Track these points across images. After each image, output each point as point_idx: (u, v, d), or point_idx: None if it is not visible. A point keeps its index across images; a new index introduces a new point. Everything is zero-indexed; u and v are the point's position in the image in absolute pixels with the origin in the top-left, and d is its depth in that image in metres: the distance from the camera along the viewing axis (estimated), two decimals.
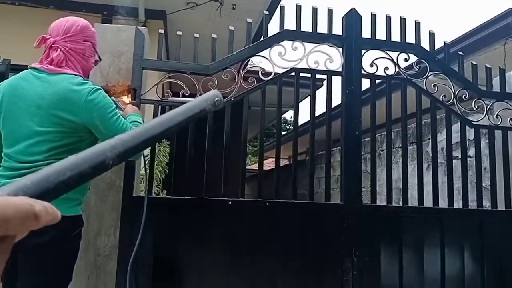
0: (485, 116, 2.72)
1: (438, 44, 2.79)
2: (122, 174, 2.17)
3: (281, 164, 2.69)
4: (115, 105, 1.75)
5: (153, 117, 2.38)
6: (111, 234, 2.11)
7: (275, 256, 2.37)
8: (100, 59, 1.94)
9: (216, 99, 0.58)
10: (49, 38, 1.73)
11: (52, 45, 1.71)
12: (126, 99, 2.19)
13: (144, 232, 2.04)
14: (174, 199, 2.34)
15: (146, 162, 2.49)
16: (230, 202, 2.32)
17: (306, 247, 2.40)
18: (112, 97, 2.08)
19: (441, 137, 3.32)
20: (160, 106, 2.43)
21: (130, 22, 4.84)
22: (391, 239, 2.51)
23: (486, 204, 2.79)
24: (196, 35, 2.48)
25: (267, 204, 2.37)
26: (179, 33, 2.52)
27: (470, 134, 2.99)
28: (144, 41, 2.43)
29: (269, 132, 15.74)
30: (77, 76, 1.69)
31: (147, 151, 2.34)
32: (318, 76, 2.66)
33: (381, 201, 2.80)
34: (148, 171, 2.21)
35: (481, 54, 4.67)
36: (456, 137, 3.03)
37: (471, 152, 3.15)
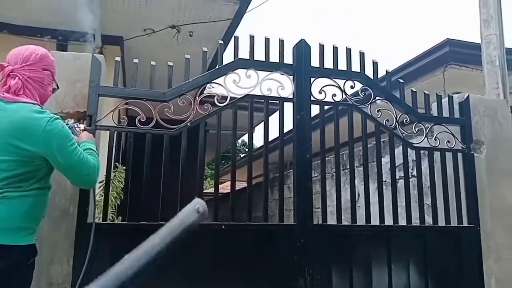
0: (424, 138, 2.95)
1: (382, 72, 3.02)
2: (76, 201, 2.17)
3: (238, 188, 2.78)
4: (72, 134, 1.77)
5: (109, 144, 2.41)
6: (64, 262, 2.09)
7: (233, 277, 2.42)
8: (58, 87, 1.96)
9: (197, 207, 0.57)
10: (7, 66, 1.74)
11: (10, 73, 1.72)
12: (81, 125, 2.22)
13: (97, 259, 2.04)
14: (128, 224, 2.35)
15: (99, 188, 2.50)
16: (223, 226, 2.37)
17: (262, 267, 2.47)
18: (69, 122, 2.10)
19: (387, 159, 3.54)
20: (116, 132, 2.46)
21: (86, 47, 4.84)
22: (341, 256, 2.64)
23: (429, 220, 2.99)
24: (153, 62, 2.55)
25: (223, 226, 2.43)
26: (135, 61, 2.57)
27: (413, 155, 3.22)
28: (100, 68, 2.47)
29: (227, 155, 15.78)
30: (34, 105, 1.71)
31: (101, 177, 2.35)
32: (271, 101, 2.79)
33: (335, 220, 2.93)
34: (95, 197, 2.21)
35: (424, 80, 5.04)
36: (400, 158, 3.25)
37: (415, 172, 3.38)
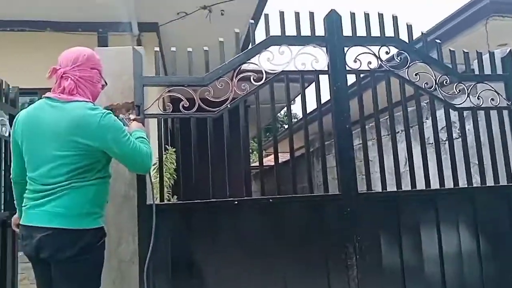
0: (467, 98, 2.89)
1: (417, 34, 2.96)
2: (135, 186, 2.36)
3: (281, 160, 2.88)
4: (123, 126, 1.93)
5: (158, 130, 2.58)
6: (130, 241, 2.31)
7: (283, 250, 2.54)
8: (106, 83, 2.12)
9: None
10: (59, 68, 1.91)
11: (63, 75, 1.89)
12: (131, 115, 2.38)
13: (158, 236, 2.25)
14: (183, 203, 2.54)
15: (153, 170, 2.68)
16: (236, 202, 2.51)
17: (310, 238, 2.59)
18: (120, 116, 2.27)
19: (429, 122, 3.50)
20: (163, 119, 2.61)
21: (125, 37, 5.03)
22: (389, 222, 2.69)
23: (478, 180, 2.94)
24: (189, 49, 2.66)
25: (271, 200, 2.56)
26: (173, 49, 2.70)
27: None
28: (142, 60, 2.61)
29: (269, 127, 15.87)
30: (87, 102, 1.87)
31: (154, 160, 2.54)
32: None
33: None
34: (152, 179, 2.39)
35: (465, 36, 4.83)
36: (443, 120, 3.21)
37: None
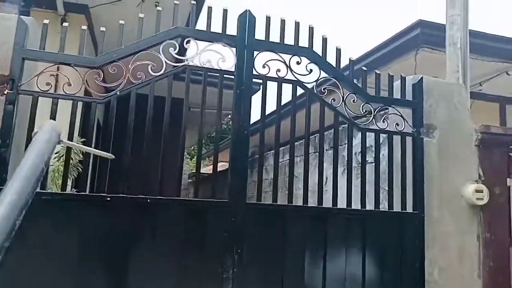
0: (372, 119, 2.86)
1: (334, 51, 2.90)
2: None
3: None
4: None
5: (31, 109, 2.31)
6: None
7: (156, 257, 2.33)
8: None
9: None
10: None
11: None
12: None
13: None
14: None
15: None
16: (108, 198, 2.29)
17: (189, 246, 2.40)
18: None
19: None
20: (38, 98, 2.35)
21: (49, 14, 4.69)
22: (275, 237, 2.57)
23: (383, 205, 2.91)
24: (102, 28, 2.46)
25: (148, 200, 2.35)
26: (102, 29, 2.48)
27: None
28: (27, 31, 2.35)
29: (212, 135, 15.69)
30: None
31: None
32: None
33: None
34: None
35: (395, 65, 4.91)
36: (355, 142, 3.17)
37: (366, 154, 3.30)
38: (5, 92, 2.23)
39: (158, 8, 2.60)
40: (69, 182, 3.80)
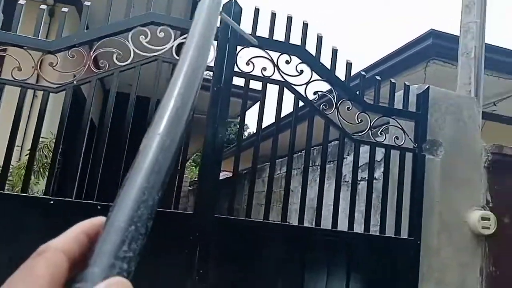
0: (368, 130, 2.52)
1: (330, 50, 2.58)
2: None
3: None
4: None
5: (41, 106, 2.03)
6: None
7: None
8: None
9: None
10: None
11: None
12: None
13: None
14: None
15: None
16: (52, 202, 1.98)
17: (148, 261, 2.08)
18: None
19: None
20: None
21: (37, 3, 4.45)
22: (246, 256, 2.24)
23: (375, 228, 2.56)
24: (87, 3, 2.18)
25: (99, 207, 2.04)
26: (87, 3, 2.21)
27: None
28: None
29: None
30: None
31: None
32: None
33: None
34: None
35: (404, 77, 4.56)
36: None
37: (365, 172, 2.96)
38: None
39: None
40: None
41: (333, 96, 2.47)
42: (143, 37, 2.23)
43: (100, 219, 0.32)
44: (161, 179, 0.32)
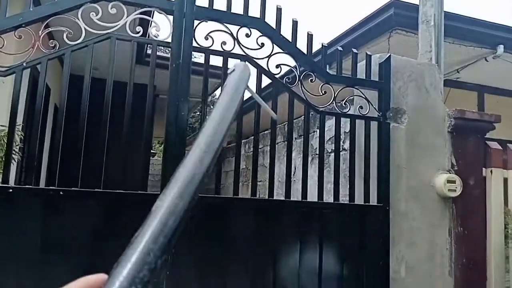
0: (332, 101, 2.52)
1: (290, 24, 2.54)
2: None
3: None
4: None
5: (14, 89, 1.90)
6: None
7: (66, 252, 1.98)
8: None
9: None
10: None
11: None
12: None
13: None
14: None
15: None
16: (10, 190, 1.89)
17: (111, 243, 2.03)
18: None
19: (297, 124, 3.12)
20: None
21: None
22: (218, 233, 2.22)
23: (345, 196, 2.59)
24: None
25: (61, 193, 1.96)
26: None
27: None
28: None
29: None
30: None
31: None
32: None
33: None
34: None
35: (368, 48, 4.58)
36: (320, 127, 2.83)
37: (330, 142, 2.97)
38: None
39: None
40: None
41: (296, 68, 2.45)
42: (94, 14, 2.13)
43: (103, 276, 0.34)
44: (167, 243, 0.35)
